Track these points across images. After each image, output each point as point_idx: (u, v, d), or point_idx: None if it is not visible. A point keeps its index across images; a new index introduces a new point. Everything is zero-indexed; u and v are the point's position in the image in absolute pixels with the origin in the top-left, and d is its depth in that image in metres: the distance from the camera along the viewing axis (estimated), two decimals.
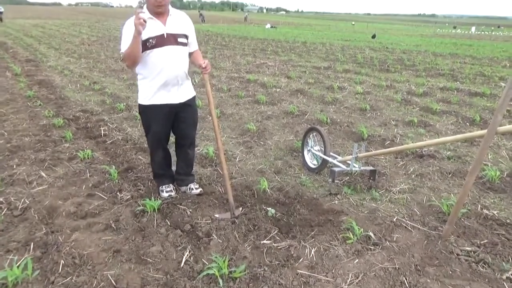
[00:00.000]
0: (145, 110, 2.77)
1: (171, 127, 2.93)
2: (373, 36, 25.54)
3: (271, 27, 37.37)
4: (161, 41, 2.46)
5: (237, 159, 4.20)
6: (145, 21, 2.23)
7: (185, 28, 2.56)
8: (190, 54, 2.76)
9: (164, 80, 2.59)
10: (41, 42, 17.12)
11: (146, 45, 2.46)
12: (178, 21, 2.53)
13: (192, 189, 3.27)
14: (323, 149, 3.79)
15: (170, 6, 2.52)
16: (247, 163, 4.10)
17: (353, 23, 61.20)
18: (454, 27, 53.57)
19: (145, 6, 2.50)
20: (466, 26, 62.78)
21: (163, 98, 2.70)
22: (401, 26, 61.62)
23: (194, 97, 2.92)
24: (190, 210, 3.01)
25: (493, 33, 41.23)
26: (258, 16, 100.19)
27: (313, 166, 3.90)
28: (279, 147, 4.59)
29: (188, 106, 2.87)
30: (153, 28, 2.45)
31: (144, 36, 2.41)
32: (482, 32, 42.51)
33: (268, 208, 3.02)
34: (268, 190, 3.38)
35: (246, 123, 5.48)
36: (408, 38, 27.78)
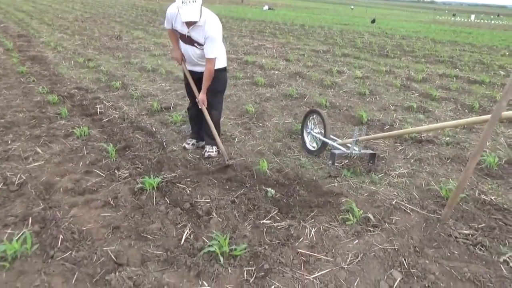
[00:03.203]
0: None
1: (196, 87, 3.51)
2: (373, 21, 25.30)
3: (269, 8, 36.73)
4: (183, 38, 3.26)
5: (236, 140, 4.21)
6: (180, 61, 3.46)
7: (202, 38, 3.16)
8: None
9: (186, 59, 3.45)
10: (33, 18, 16.70)
11: (177, 31, 3.28)
12: (200, 30, 3.13)
13: (207, 151, 3.68)
14: (323, 131, 3.81)
15: (202, 9, 3.07)
16: (246, 144, 4.11)
17: (352, 7, 60.54)
18: (454, 15, 53.35)
19: None
20: (466, 13, 62.51)
21: (188, 66, 3.49)
22: (400, 12, 61.13)
23: (217, 70, 3.35)
24: (190, 189, 3.03)
25: (493, 21, 41.13)
26: None
27: (312, 149, 3.92)
28: (278, 129, 4.61)
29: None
30: (181, 26, 3.19)
31: (176, 25, 3.23)
32: (482, 21, 42.41)
33: (267, 189, 3.04)
34: (268, 171, 3.41)
35: (244, 104, 5.46)
36: (407, 24, 27.62)
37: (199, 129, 3.88)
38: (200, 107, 3.46)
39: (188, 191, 2.99)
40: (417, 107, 5.67)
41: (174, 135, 4.25)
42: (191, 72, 3.50)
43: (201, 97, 3.39)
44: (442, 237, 2.50)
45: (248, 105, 5.29)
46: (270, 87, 6.60)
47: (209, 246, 2.27)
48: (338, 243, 2.40)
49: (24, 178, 3.04)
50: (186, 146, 3.87)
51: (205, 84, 3.32)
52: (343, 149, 3.55)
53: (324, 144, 3.74)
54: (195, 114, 3.80)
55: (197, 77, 3.48)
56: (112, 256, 2.20)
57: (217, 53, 3.21)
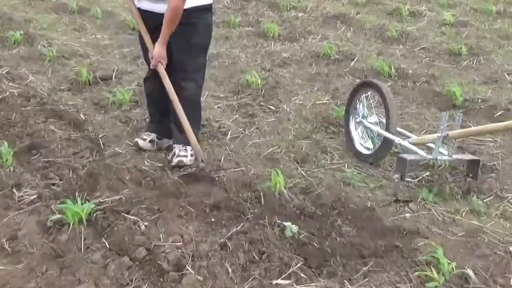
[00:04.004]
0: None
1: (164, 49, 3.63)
2: None
3: None
4: None
5: (228, 136, 4.25)
6: None
7: None
8: None
9: None
10: None
11: None
12: None
13: (176, 155, 3.75)
14: (384, 121, 3.85)
15: None
16: (247, 143, 4.15)
17: None
18: None
19: None
20: None
21: (142, 2, 3.62)
22: None
23: (193, 11, 3.51)
24: (146, 223, 3.05)
25: None
26: None
27: (366, 151, 3.99)
28: (303, 116, 4.61)
29: (181, 25, 3.49)
30: None
31: None
32: None
33: (285, 223, 3.07)
34: (285, 191, 3.44)
35: (243, 71, 5.48)
36: None
37: (163, 116, 3.89)
38: (151, 66, 3.52)
39: (144, 227, 3.00)
40: None
41: (118, 126, 4.28)
42: (147, 13, 3.55)
43: (156, 50, 3.50)
44: None
45: (250, 74, 5.29)
46: (289, 42, 6.57)
47: None
48: None
49: None
50: (141, 144, 3.91)
51: (166, 29, 3.43)
52: (421, 152, 3.57)
53: (386, 144, 3.79)
54: (157, 90, 3.85)
55: (158, 22, 3.53)
56: None
57: None
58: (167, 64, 3.68)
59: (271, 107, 4.83)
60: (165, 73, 3.59)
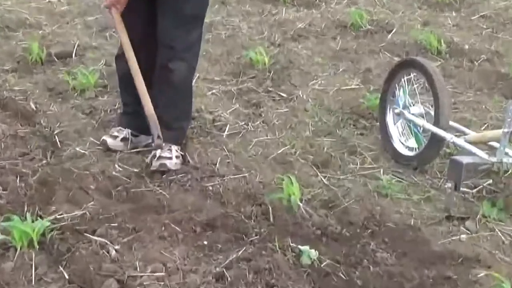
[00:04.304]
0: None
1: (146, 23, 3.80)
2: None
3: None
4: None
5: (226, 132, 4.25)
6: None
7: None
8: None
9: None
10: None
11: None
12: None
13: (157, 157, 3.74)
14: (432, 113, 3.82)
15: None
16: (250, 141, 4.16)
17: None
18: None
19: None
20: None
21: None
22: None
23: None
24: (117, 246, 3.00)
25: None
26: None
27: (407, 152, 3.98)
28: (324, 105, 4.61)
29: None
30: None
31: None
32: None
33: (301, 247, 3.02)
34: (302, 204, 3.39)
35: (246, 47, 5.50)
36: None
37: (142, 107, 3.82)
38: (103, 5, 3.59)
39: (114, 252, 2.95)
40: None
41: (81, 119, 4.27)
42: None
43: None
44: None
45: (254, 50, 5.29)
46: (305, 7, 6.60)
47: None
48: None
49: None
50: (110, 143, 3.94)
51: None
52: (481, 153, 3.55)
53: (435, 142, 3.79)
54: (124, 71, 3.89)
55: None
56: None
57: None
58: (153, 40, 3.77)
59: (282, 93, 4.80)
60: (124, 29, 3.63)
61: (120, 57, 3.91)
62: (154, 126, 3.55)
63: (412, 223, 3.38)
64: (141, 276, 2.83)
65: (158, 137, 3.53)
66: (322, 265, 2.98)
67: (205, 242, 3.12)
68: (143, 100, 3.60)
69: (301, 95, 4.80)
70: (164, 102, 3.75)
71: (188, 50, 3.86)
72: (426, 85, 3.90)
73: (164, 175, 3.69)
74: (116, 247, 3.02)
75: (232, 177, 3.72)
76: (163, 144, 3.59)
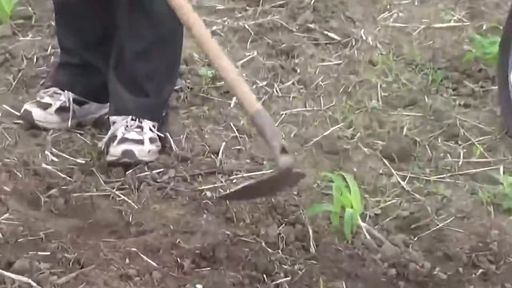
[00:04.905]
0: None
1: None
2: None
3: None
4: None
5: (234, 99, 3.69)
6: None
7: None
8: None
9: None
10: None
11: None
12: None
13: (119, 139, 3.02)
14: None
15: None
16: (277, 115, 3.46)
17: None
18: None
19: None
20: None
21: None
22: None
23: None
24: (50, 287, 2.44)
25: None
26: None
27: None
28: (403, 55, 3.93)
29: None
30: None
31: None
32: None
33: None
34: (365, 225, 2.73)
35: None
36: None
37: (95, 56, 3.30)
38: None
39: None
40: None
41: None
42: None
43: None
44: None
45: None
46: None
47: None
48: None
49: None
50: (37, 114, 3.24)
51: None
52: None
53: None
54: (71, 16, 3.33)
55: None
56: None
57: None
58: None
59: (332, 34, 4.06)
60: None
61: None
62: (270, 131, 2.55)
63: None
64: None
65: (283, 150, 2.50)
66: None
67: (199, 287, 2.33)
68: (226, 79, 2.72)
69: (363, 37, 4.03)
70: (133, 44, 2.97)
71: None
72: None
73: (130, 171, 2.92)
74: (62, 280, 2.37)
75: (245, 175, 2.93)
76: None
